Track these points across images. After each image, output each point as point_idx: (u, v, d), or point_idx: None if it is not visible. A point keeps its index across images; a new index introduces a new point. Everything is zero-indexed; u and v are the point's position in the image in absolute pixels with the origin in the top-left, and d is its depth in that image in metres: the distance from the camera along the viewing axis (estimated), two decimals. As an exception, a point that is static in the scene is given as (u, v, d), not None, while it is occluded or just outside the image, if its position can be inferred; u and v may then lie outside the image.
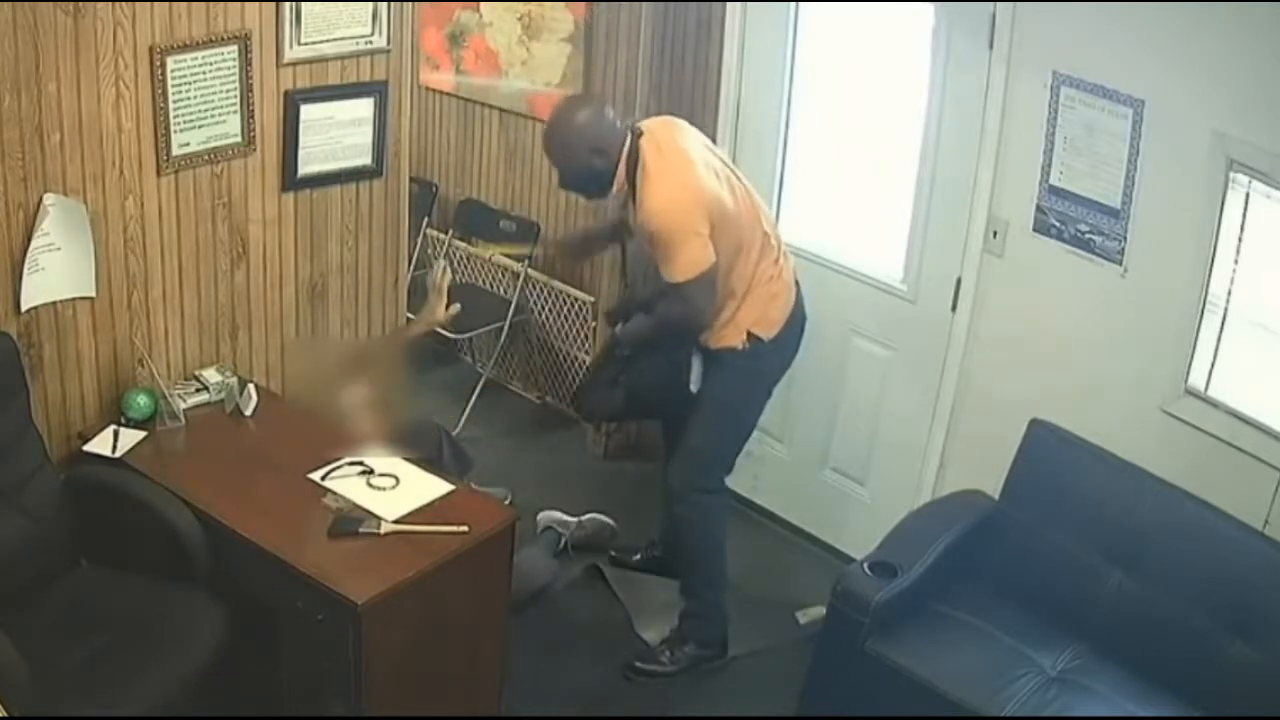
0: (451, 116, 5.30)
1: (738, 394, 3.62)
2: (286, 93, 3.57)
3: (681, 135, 3.50)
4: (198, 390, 3.53)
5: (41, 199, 3.13)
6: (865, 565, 3.32)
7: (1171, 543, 3.17)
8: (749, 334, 3.53)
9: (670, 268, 3.32)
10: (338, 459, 3.27)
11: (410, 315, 4.49)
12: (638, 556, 4.19)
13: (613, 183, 3.40)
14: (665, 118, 3.67)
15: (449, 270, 3.60)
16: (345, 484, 3.21)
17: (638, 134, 3.40)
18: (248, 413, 3.52)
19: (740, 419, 3.69)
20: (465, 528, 3.07)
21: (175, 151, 3.38)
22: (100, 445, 3.30)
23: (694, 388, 3.59)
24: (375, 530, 3.05)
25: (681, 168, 3.37)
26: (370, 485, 3.21)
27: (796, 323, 3.65)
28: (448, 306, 3.54)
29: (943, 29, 3.68)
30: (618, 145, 3.37)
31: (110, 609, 3.01)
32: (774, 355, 3.62)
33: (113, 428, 3.36)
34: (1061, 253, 3.51)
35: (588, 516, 4.25)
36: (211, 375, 3.56)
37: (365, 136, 3.81)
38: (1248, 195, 3.13)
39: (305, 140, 3.66)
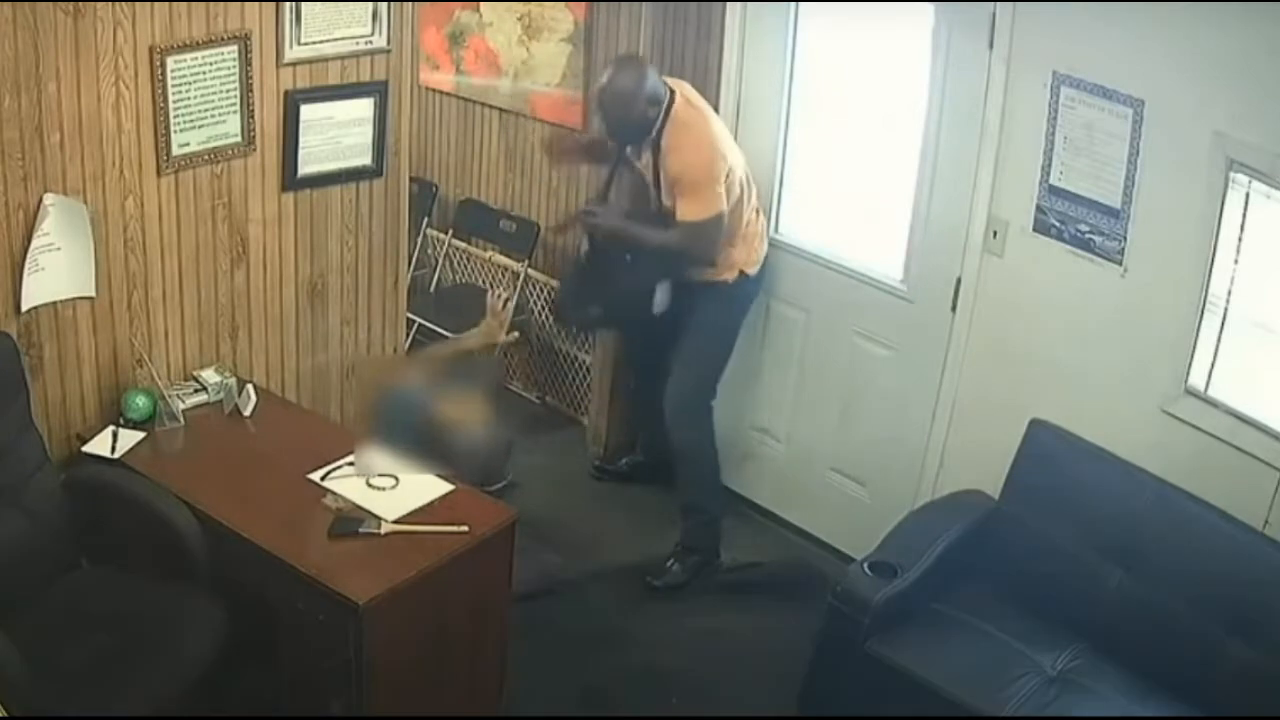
0: (451, 116, 5.30)
1: (728, 322, 4.10)
2: (286, 93, 3.58)
3: (697, 95, 3.95)
4: (196, 391, 3.53)
5: (41, 199, 3.13)
6: (865, 565, 3.32)
7: (1171, 543, 3.17)
8: (740, 271, 3.99)
9: (687, 207, 3.76)
10: (337, 459, 3.27)
11: (411, 315, 4.50)
12: (624, 462, 4.66)
13: (653, 130, 3.79)
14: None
15: (511, 301, 3.66)
16: (345, 484, 3.21)
17: (672, 95, 3.81)
18: (247, 413, 3.52)
19: (727, 344, 4.13)
20: (465, 528, 3.08)
21: (175, 151, 3.38)
22: (99, 446, 3.30)
23: (657, 310, 3.97)
24: (375, 530, 3.05)
25: (707, 123, 3.85)
26: (370, 485, 3.20)
27: (767, 259, 4.11)
28: (508, 333, 3.71)
29: (943, 29, 3.67)
30: (664, 98, 3.79)
31: (110, 609, 3.01)
32: (755, 286, 4.09)
33: (111, 428, 3.36)
34: (1061, 253, 3.50)
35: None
36: (210, 376, 3.56)
37: (365, 136, 3.81)
38: (1248, 195, 3.13)
39: (305, 140, 3.66)
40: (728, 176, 3.79)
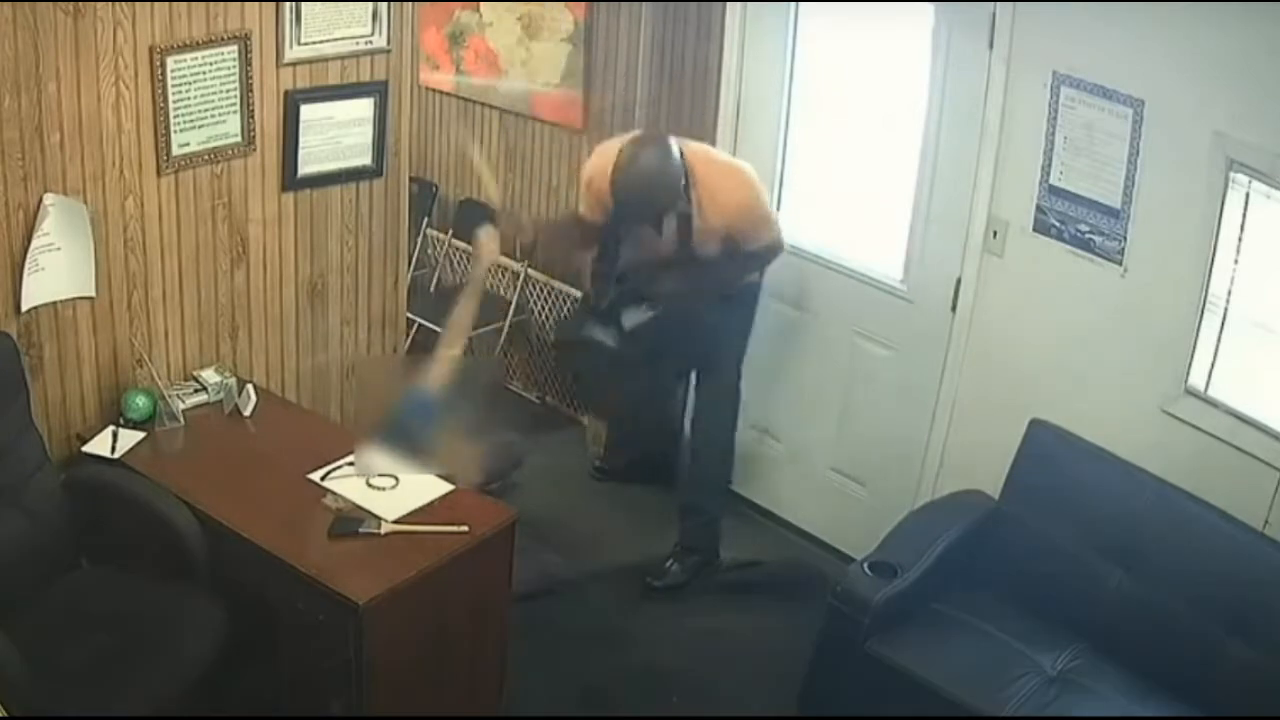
0: (451, 116, 5.30)
1: (752, 320, 4.08)
2: (286, 93, 3.58)
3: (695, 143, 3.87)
4: (196, 391, 3.54)
5: (41, 199, 3.13)
6: (865, 565, 3.32)
7: (1171, 543, 3.17)
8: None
9: (757, 237, 3.79)
10: (337, 459, 3.27)
11: (411, 315, 4.50)
12: (624, 462, 4.64)
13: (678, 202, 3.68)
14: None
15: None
16: (345, 484, 3.21)
17: (682, 151, 3.70)
18: (247, 413, 3.52)
19: (747, 342, 4.12)
20: (465, 528, 3.08)
21: (175, 151, 3.38)
22: (99, 446, 3.30)
23: (629, 326, 3.90)
24: (375, 530, 3.05)
25: (728, 164, 3.83)
26: (370, 485, 3.20)
27: None
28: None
29: (943, 29, 3.68)
30: (683, 176, 3.67)
31: (110, 609, 3.01)
32: (760, 286, 4.08)
33: (111, 428, 3.36)
34: (1061, 253, 3.50)
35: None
36: (210, 376, 3.57)
37: (365, 136, 3.81)
38: (1248, 195, 3.13)
39: (305, 140, 3.66)
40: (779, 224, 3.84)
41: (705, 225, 3.70)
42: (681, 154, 3.67)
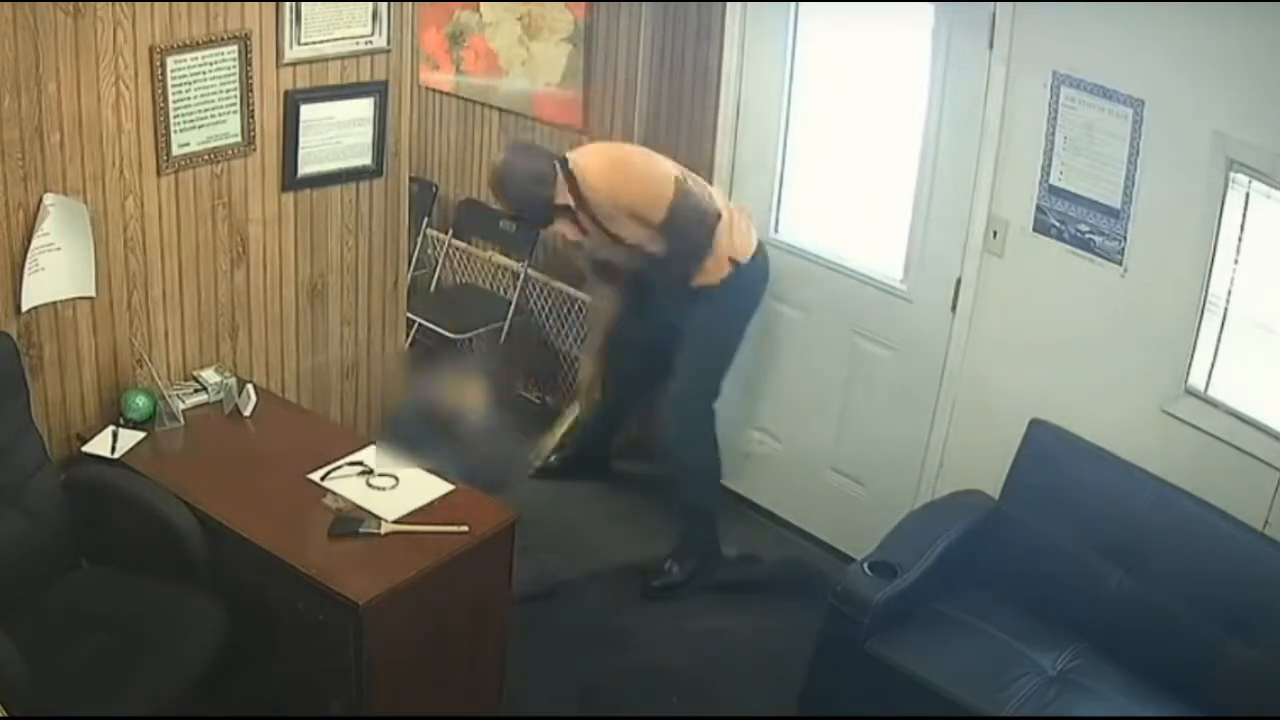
0: (451, 116, 5.30)
1: (726, 320, 4.03)
2: (286, 93, 3.58)
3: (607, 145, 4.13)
4: (196, 391, 3.54)
5: (41, 199, 3.13)
6: (865, 565, 3.32)
7: (1171, 543, 3.17)
8: (731, 262, 3.89)
9: (655, 214, 3.78)
10: (337, 459, 3.27)
11: (411, 315, 4.49)
12: (552, 459, 4.62)
13: (552, 204, 3.81)
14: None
15: None
16: (345, 484, 3.21)
17: (565, 162, 3.82)
18: (247, 413, 3.53)
19: (729, 344, 4.08)
20: (465, 528, 3.08)
21: (175, 151, 3.38)
22: (99, 446, 3.31)
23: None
24: (375, 530, 3.05)
25: (612, 149, 4.02)
26: (370, 485, 3.21)
27: (764, 254, 4.03)
28: None
29: (943, 29, 3.68)
30: (551, 173, 3.79)
31: (110, 609, 3.01)
32: (752, 274, 3.98)
33: (111, 428, 3.36)
34: (1061, 253, 3.51)
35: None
36: (210, 376, 3.57)
37: (365, 136, 3.81)
38: (1248, 195, 3.13)
39: (305, 140, 3.66)
40: (680, 184, 3.81)
41: (599, 210, 3.82)
42: (564, 162, 3.80)
